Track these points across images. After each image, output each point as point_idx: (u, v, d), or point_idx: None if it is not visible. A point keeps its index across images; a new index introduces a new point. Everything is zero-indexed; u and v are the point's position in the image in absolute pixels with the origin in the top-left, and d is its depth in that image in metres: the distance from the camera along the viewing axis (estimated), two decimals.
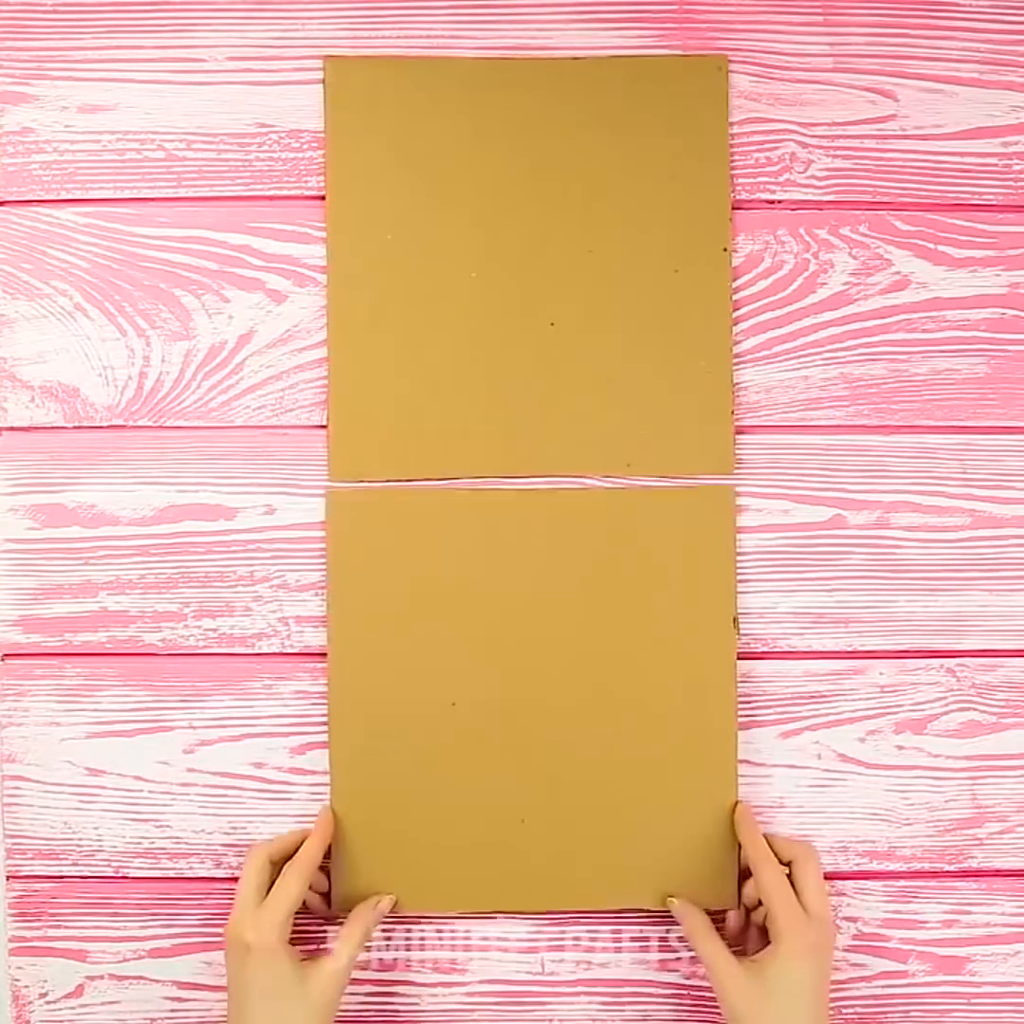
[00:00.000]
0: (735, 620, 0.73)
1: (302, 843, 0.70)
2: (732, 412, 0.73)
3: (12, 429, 0.73)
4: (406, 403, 0.73)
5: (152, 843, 0.74)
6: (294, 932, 0.75)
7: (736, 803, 0.73)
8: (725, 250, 0.73)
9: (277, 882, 0.68)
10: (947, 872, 0.75)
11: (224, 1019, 0.74)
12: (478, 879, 0.73)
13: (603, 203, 0.72)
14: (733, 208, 0.73)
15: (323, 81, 0.72)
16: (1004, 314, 0.74)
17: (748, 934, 0.72)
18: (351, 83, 0.72)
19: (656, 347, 0.73)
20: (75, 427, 0.73)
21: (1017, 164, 0.74)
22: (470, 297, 0.72)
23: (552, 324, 0.73)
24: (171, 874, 0.74)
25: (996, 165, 0.74)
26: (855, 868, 0.75)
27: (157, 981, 0.74)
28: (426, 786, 0.73)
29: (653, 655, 0.73)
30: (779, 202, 0.73)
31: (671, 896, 0.73)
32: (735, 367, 0.73)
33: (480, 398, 0.73)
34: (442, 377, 0.73)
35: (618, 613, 0.73)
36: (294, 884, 0.68)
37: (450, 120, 0.72)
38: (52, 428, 0.73)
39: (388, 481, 0.73)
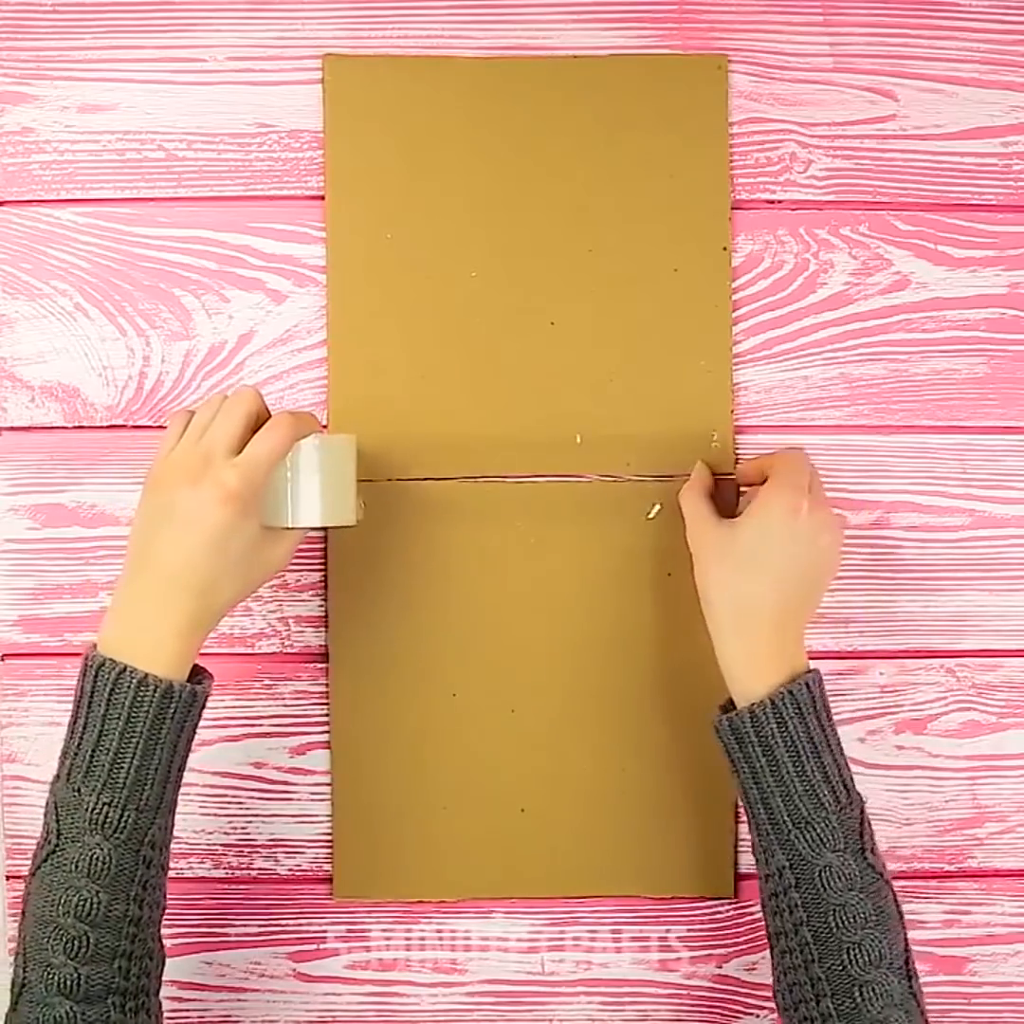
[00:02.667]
0: None
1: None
2: (732, 412, 0.73)
3: (12, 429, 0.73)
4: (406, 403, 0.73)
5: None
6: (293, 931, 0.75)
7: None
8: (725, 250, 0.73)
9: (265, 431, 0.61)
10: (947, 872, 0.75)
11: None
12: (479, 867, 0.73)
13: (603, 202, 0.72)
14: (733, 208, 0.73)
15: (323, 81, 0.72)
16: (1004, 314, 0.74)
17: None
18: (351, 83, 0.72)
19: (656, 347, 0.73)
20: (75, 427, 0.73)
21: (1017, 164, 0.73)
22: (470, 297, 0.72)
23: (552, 324, 0.73)
24: (171, 874, 0.74)
25: (996, 165, 0.73)
26: None
27: None
28: (427, 776, 0.73)
29: (652, 645, 0.73)
30: (779, 202, 0.73)
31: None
32: (735, 367, 0.73)
33: (480, 398, 0.73)
34: (442, 377, 0.73)
35: (617, 605, 0.73)
36: (282, 440, 0.61)
37: (450, 119, 0.72)
38: (52, 428, 0.73)
39: (388, 480, 0.73)
